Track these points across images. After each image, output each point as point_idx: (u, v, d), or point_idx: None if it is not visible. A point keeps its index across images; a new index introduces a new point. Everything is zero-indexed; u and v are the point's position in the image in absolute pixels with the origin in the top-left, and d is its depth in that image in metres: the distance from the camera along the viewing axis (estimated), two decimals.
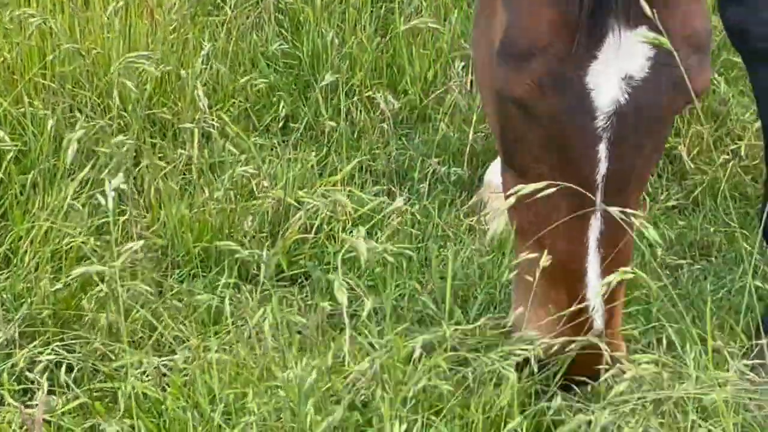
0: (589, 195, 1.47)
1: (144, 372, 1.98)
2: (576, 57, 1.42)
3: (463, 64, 3.10)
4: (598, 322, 1.52)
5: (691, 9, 1.46)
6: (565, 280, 1.55)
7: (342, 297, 1.61)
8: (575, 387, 1.64)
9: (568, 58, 1.42)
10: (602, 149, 1.46)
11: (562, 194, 1.47)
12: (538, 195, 1.46)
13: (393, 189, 2.76)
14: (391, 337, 1.80)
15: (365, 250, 1.61)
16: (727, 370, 1.68)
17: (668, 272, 2.50)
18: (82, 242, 2.31)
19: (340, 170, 2.67)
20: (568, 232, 1.52)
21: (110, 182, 1.78)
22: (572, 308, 1.52)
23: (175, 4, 3.06)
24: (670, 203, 2.78)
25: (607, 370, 1.56)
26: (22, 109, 2.68)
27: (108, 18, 2.95)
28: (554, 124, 1.48)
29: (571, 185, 1.46)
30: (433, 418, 1.75)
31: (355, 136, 2.91)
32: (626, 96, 1.43)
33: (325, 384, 1.82)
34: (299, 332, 2.02)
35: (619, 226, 1.46)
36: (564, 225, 1.50)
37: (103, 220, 2.54)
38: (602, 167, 1.47)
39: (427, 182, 2.71)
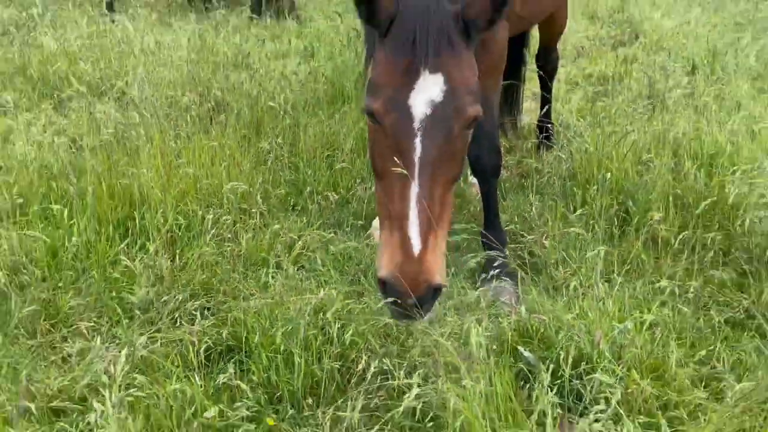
0: (412, 169, 2.22)
1: None
2: (403, 86, 2.23)
3: None
4: (416, 249, 2.20)
5: (467, 69, 2.31)
6: (399, 224, 2.23)
7: None
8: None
9: (400, 86, 2.23)
10: (417, 142, 2.22)
11: (396, 173, 2.23)
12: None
13: None
14: None
15: None
16: None
17: None
18: None
19: None
20: (401, 197, 2.24)
21: None
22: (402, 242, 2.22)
23: None
24: None
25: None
26: None
27: None
28: (393, 128, 2.24)
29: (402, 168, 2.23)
30: None
31: None
32: (430, 111, 2.22)
33: None
34: None
35: (431, 196, 2.24)
36: (399, 194, 2.24)
37: None
38: (417, 153, 2.21)
39: None
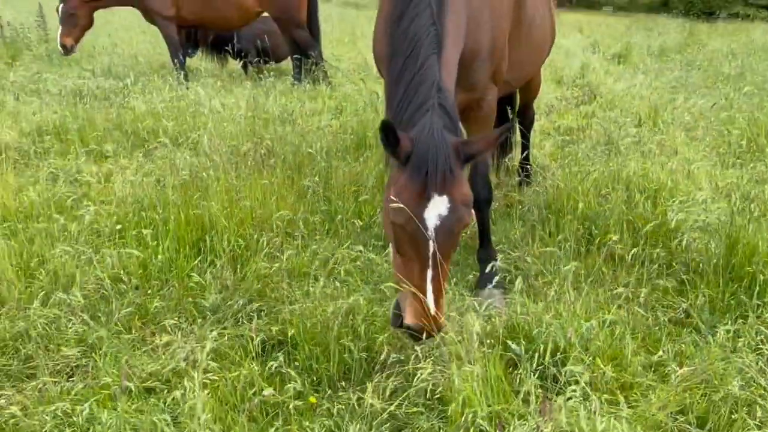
0: (427, 260, 2.35)
1: None
2: (419, 206, 2.34)
3: None
4: (432, 308, 2.33)
5: (464, 189, 2.41)
6: (420, 292, 2.35)
7: None
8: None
9: (417, 206, 2.34)
10: (431, 243, 2.34)
11: (418, 262, 2.37)
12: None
13: None
14: None
15: None
16: None
17: None
18: None
19: None
20: (419, 276, 2.36)
21: None
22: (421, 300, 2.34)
23: None
24: None
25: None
26: None
27: None
28: (414, 234, 2.35)
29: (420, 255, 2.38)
30: None
31: None
32: (439, 222, 2.35)
33: None
34: None
35: (440, 274, 2.35)
36: (417, 274, 2.36)
37: None
38: (431, 249, 2.34)
39: None
